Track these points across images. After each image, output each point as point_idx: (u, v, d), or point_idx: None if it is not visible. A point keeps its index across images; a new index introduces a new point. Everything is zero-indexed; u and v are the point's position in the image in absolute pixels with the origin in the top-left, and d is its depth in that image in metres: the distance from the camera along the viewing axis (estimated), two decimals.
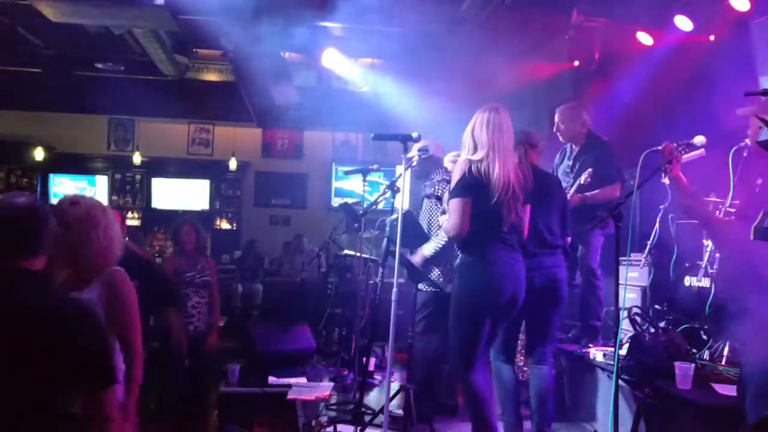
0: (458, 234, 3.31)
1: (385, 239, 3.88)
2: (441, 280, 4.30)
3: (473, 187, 3.28)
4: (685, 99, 5.18)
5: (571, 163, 4.95)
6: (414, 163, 4.33)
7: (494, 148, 3.31)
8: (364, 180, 4.97)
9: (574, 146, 4.99)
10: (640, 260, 4.91)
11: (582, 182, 4.69)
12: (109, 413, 1.88)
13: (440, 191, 4.36)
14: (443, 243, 4.23)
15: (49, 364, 1.79)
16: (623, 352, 3.72)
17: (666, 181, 3.28)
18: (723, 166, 3.68)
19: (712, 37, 5.37)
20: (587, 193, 4.71)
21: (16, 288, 1.86)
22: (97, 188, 11.75)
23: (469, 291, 3.35)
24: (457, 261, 3.49)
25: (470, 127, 3.40)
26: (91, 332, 1.89)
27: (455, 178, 3.35)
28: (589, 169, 4.66)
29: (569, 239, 4.08)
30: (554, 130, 5.03)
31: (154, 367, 4.70)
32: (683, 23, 5.28)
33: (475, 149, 3.35)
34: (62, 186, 11.46)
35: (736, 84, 4.49)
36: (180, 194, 11.94)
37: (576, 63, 6.50)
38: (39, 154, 11.09)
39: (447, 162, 4.63)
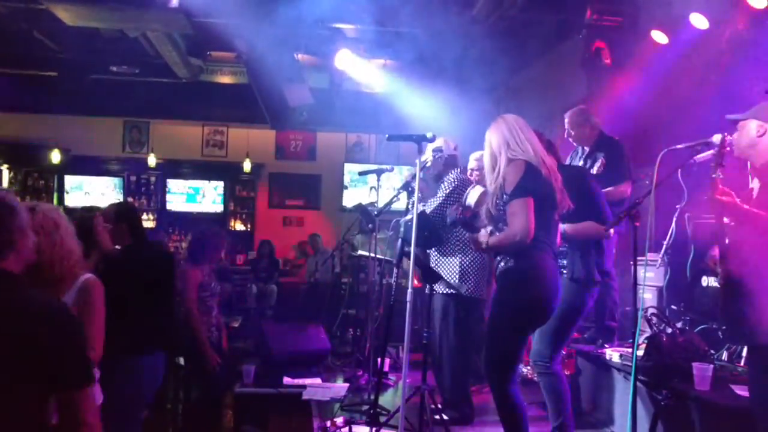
0: (527, 235, 3.05)
1: (400, 240, 3.88)
2: (456, 281, 4.29)
3: (536, 186, 3.12)
4: (701, 98, 5.13)
5: (582, 163, 4.95)
6: (428, 164, 4.31)
7: (533, 146, 3.20)
8: (378, 180, 4.98)
9: (585, 147, 5.00)
10: (656, 260, 4.86)
11: (594, 172, 4.68)
12: (87, 419, 1.74)
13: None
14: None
15: (24, 367, 1.66)
16: (640, 353, 3.69)
17: (718, 175, 3.04)
18: (741, 166, 3.64)
19: (727, 35, 5.32)
20: None
21: None
22: (113, 190, 11.84)
23: (526, 301, 3.13)
24: (508, 266, 3.21)
25: (498, 136, 3.24)
26: (67, 330, 1.76)
27: (513, 180, 3.12)
28: (601, 158, 4.67)
29: None
30: (566, 135, 5.03)
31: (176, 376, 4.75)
32: (699, 21, 5.22)
33: (509, 145, 3.19)
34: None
35: (753, 82, 4.45)
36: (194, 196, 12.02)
37: (596, 56, 6.38)
38: (55, 156, 11.20)
39: (472, 161, 4.62)
